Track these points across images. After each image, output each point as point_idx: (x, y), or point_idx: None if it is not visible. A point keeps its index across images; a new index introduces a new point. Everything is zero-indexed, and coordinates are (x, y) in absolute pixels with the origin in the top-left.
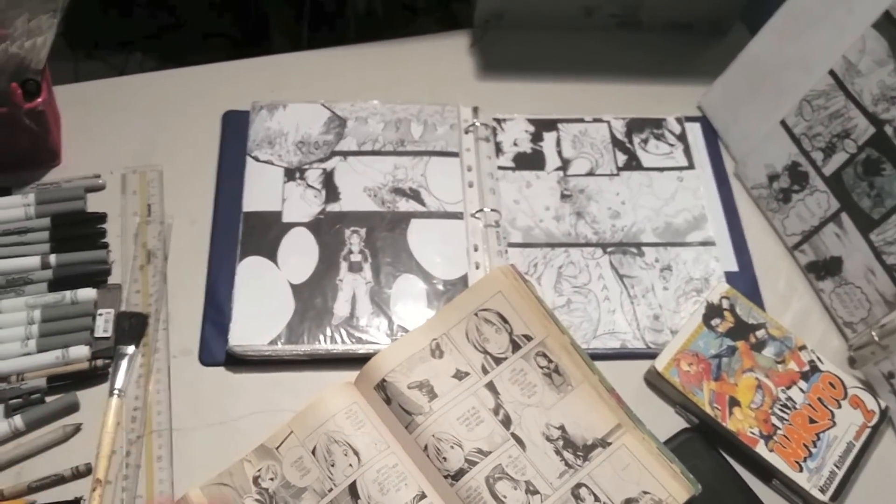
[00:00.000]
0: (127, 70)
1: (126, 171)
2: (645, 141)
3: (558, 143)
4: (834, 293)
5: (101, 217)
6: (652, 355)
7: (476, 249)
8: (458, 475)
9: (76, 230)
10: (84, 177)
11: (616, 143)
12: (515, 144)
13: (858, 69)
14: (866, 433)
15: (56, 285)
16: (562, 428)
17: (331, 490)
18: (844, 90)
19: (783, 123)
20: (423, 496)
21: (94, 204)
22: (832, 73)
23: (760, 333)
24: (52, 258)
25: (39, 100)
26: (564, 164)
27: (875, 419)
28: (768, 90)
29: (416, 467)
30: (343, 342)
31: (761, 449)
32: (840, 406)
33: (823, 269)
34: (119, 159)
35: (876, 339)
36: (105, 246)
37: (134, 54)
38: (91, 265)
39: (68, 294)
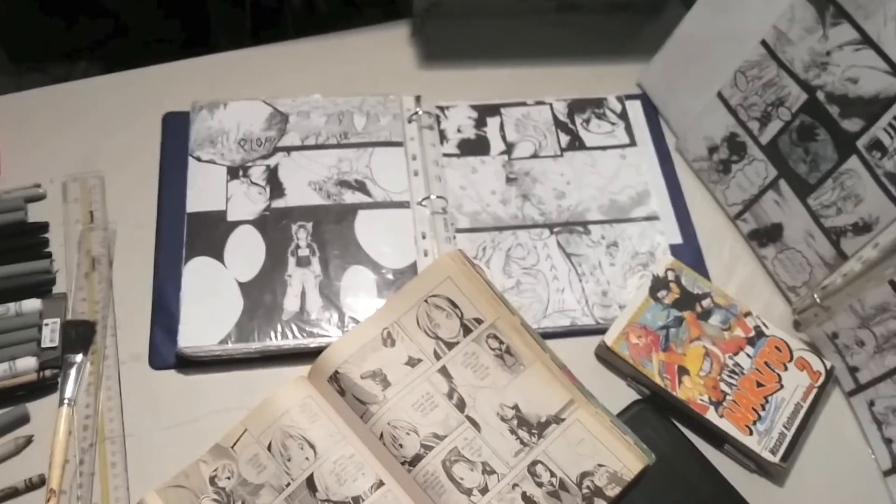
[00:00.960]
0: (71, 80)
1: (66, 179)
2: (587, 121)
3: (502, 128)
4: (776, 259)
5: (43, 227)
6: (601, 331)
7: (424, 237)
8: (414, 461)
9: (18, 241)
10: (23, 187)
11: (558, 124)
12: (459, 131)
13: (789, 38)
14: (813, 393)
15: None
16: (515, 407)
17: (288, 485)
18: (776, 59)
19: (720, 95)
20: (380, 484)
21: (35, 214)
22: (764, 42)
23: (706, 303)
24: None
25: None
26: (509, 148)
27: (821, 379)
28: (704, 64)
29: (373, 456)
30: (294, 337)
31: (711, 415)
32: (786, 369)
33: (765, 235)
34: (60, 167)
35: (818, 301)
36: (48, 255)
37: (78, 63)
38: (34, 275)
39: (13, 306)
